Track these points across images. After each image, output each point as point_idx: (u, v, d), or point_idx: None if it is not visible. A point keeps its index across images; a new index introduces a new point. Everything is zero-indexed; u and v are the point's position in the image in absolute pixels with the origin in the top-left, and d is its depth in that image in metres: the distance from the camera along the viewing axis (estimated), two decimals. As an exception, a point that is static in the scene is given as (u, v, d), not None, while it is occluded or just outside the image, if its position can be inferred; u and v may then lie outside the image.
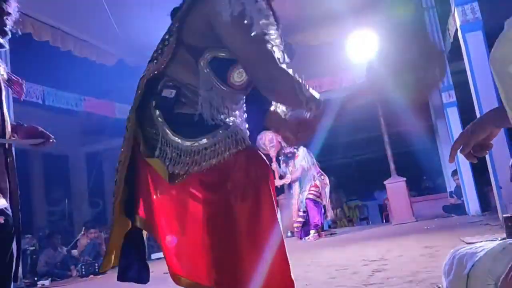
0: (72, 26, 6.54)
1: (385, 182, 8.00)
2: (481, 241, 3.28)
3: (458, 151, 1.18)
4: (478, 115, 4.16)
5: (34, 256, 6.83)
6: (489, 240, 3.18)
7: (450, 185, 8.70)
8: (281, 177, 6.78)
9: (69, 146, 10.95)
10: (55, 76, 7.30)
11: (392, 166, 8.29)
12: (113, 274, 4.93)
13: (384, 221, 9.83)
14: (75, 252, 6.75)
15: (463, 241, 3.58)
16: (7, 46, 1.65)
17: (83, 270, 5.84)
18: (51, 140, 1.74)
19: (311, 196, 6.58)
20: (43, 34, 6.13)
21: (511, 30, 0.72)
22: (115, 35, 6.55)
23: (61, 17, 6.36)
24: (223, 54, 1.39)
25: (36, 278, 6.10)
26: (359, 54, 7.73)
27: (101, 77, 8.29)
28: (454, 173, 8.11)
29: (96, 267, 5.91)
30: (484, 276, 1.02)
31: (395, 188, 7.87)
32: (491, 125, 1.11)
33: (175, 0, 1.59)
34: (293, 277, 1.30)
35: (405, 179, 7.92)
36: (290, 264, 1.29)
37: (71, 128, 10.81)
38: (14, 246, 1.52)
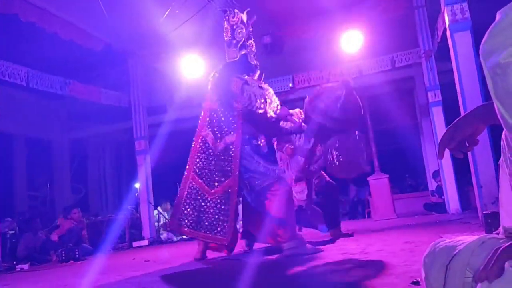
0: (59, 8, 6.41)
1: (368, 178, 8.08)
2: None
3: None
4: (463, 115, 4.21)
5: (13, 240, 6.74)
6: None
7: (432, 184, 8.82)
8: None
9: (52, 131, 10.80)
10: (40, 58, 7.17)
11: (376, 162, 8.37)
12: (94, 260, 4.90)
13: (366, 216, 9.93)
14: (54, 236, 6.68)
15: (442, 237, 3.64)
16: None
17: (63, 255, 5.78)
18: None
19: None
20: (30, 14, 5.99)
21: (502, 20, 0.72)
22: (103, 20, 6.45)
23: (49, -2, 6.24)
24: None
25: (15, 262, 6.03)
26: (348, 50, 7.78)
27: (87, 62, 8.17)
28: (436, 174, 8.22)
29: (77, 253, 5.86)
30: (462, 269, 1.03)
31: (378, 184, 7.96)
32: (478, 120, 1.12)
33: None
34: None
35: (388, 176, 8.01)
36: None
37: (55, 113, 10.66)
38: None
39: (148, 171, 8.43)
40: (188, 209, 3.71)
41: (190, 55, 7.92)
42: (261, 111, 3.64)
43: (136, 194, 9.02)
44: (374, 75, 8.17)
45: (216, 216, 3.61)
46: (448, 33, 4.37)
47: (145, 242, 7.76)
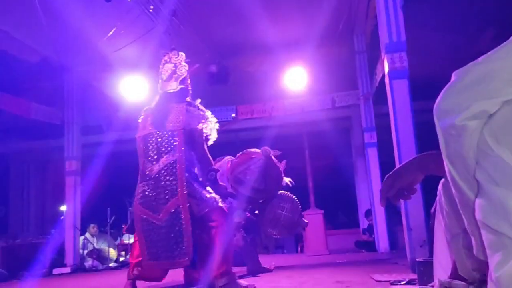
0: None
1: (303, 213, 8.13)
2: (389, 281, 3.38)
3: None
4: (396, 157, 4.37)
5: None
6: (398, 281, 3.29)
7: (364, 222, 9.06)
8: None
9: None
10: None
11: (312, 197, 8.49)
12: (6, 287, 4.43)
13: (298, 251, 9.97)
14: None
15: (373, 278, 3.68)
16: None
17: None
18: None
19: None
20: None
21: (459, 81, 0.71)
22: (42, 32, 6.15)
23: (-17, 4, 5.87)
24: None
25: None
26: (291, 86, 7.95)
27: (20, 74, 7.69)
28: (368, 213, 8.47)
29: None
30: None
31: (313, 220, 8.04)
32: (417, 170, 1.14)
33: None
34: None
35: (323, 211, 8.12)
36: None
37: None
38: None
39: (78, 194, 7.97)
40: (145, 242, 3.54)
41: (132, 76, 7.72)
42: (200, 129, 3.73)
43: (62, 218, 8.47)
44: (315, 112, 8.38)
45: (170, 241, 3.46)
46: (386, 79, 4.57)
47: (67, 270, 7.25)
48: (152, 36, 6.34)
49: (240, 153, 4.07)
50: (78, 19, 6.09)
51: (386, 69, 4.49)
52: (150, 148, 3.73)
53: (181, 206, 3.50)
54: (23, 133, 9.54)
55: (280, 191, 4.07)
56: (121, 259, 8.01)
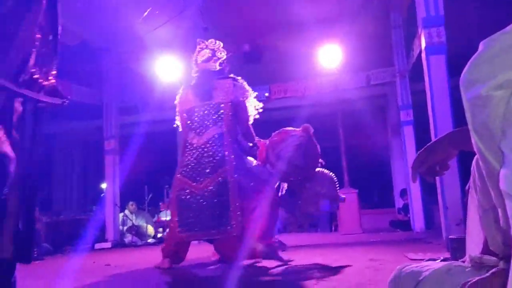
0: None
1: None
2: (423, 259, 3.37)
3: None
4: (433, 136, 4.28)
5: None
6: (432, 259, 3.27)
7: (399, 202, 8.95)
8: None
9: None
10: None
11: (346, 177, 8.45)
12: (52, 261, 4.73)
13: (332, 230, 9.99)
14: None
15: (407, 256, 3.67)
16: None
17: (20, 255, 5.56)
18: (66, 101, 1.66)
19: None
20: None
21: (485, 51, 0.71)
22: (80, 15, 6.30)
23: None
24: None
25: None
26: (325, 64, 7.85)
27: (61, 56, 7.94)
28: (403, 193, 8.35)
29: (35, 252, 5.64)
30: None
31: (347, 199, 8.00)
32: (451, 146, 1.13)
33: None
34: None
35: (357, 191, 8.08)
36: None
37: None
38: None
39: (117, 172, 8.24)
40: (184, 212, 3.64)
41: (166, 57, 7.83)
42: (246, 103, 3.92)
43: (102, 195, 8.80)
44: (349, 90, 8.26)
45: (214, 211, 3.54)
46: (423, 55, 4.46)
47: (108, 245, 7.56)
48: (185, 16, 6.38)
49: (277, 131, 4.08)
50: (115, 1, 6.20)
51: (423, 45, 4.38)
52: (196, 119, 3.85)
53: (228, 176, 3.57)
54: (64, 113, 9.89)
55: (318, 169, 4.07)
56: (159, 235, 8.28)
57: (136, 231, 8.23)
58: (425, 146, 1.19)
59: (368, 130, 9.10)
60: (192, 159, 3.72)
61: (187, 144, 3.83)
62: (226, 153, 3.65)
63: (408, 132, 7.35)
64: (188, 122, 3.90)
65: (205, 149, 3.71)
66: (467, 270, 1.09)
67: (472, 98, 0.70)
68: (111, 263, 4.58)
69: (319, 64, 7.87)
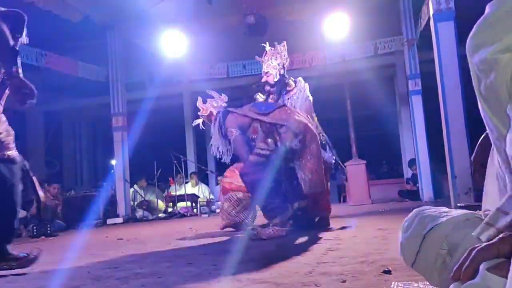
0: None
1: (346, 164, 8.14)
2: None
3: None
4: (441, 105, 4.24)
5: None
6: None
7: (407, 172, 8.95)
8: None
9: (26, 103, 10.48)
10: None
11: (354, 148, 8.44)
12: (65, 236, 4.79)
13: (341, 201, 10.06)
14: (23, 212, 6.50)
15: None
16: None
17: (35, 230, 5.67)
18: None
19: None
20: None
21: (491, 13, 0.69)
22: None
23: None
24: None
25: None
26: (331, 35, 7.73)
27: (65, 33, 7.90)
28: (412, 163, 8.34)
29: (49, 229, 5.76)
30: (440, 240, 1.01)
31: (355, 170, 8.04)
32: None
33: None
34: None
35: (365, 161, 8.08)
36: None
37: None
38: None
39: (125, 148, 8.30)
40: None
41: (171, 31, 7.74)
42: None
43: (112, 171, 8.89)
44: (357, 60, 8.16)
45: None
46: (431, 22, 4.37)
47: (120, 220, 7.69)
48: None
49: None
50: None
51: (431, 11, 4.28)
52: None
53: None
54: (71, 90, 9.91)
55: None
56: (169, 210, 8.39)
57: (147, 206, 8.35)
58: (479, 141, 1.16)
59: (376, 100, 9.02)
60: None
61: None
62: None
63: (417, 102, 7.29)
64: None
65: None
66: (483, 224, 1.08)
67: (478, 62, 0.68)
68: (123, 237, 4.66)
69: (326, 35, 7.75)
